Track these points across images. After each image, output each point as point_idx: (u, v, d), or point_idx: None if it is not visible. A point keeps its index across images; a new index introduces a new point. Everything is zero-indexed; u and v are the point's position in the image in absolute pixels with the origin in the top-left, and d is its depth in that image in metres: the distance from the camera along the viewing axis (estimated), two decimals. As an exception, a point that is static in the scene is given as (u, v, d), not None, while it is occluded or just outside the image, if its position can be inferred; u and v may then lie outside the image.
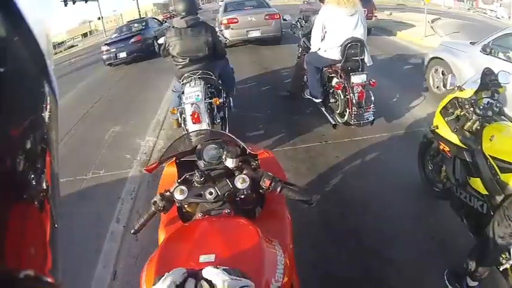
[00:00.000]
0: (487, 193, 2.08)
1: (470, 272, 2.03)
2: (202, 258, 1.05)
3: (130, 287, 2.55)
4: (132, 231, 1.48)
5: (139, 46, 11.51)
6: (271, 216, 1.48)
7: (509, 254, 1.92)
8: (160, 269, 1.07)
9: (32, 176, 0.34)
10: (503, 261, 1.96)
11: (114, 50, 11.47)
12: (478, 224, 2.16)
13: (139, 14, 35.53)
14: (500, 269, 1.99)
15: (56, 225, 0.39)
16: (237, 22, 9.27)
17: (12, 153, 0.31)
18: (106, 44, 11.88)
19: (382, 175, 3.32)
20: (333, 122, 4.14)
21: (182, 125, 3.65)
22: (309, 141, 3.98)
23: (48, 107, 0.37)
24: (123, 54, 11.36)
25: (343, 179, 3.35)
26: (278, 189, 1.33)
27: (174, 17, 18.72)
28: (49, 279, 0.35)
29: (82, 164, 4.36)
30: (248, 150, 1.56)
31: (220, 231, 1.23)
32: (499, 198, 1.99)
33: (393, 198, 3.01)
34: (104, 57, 11.65)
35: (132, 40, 11.57)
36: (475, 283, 2.06)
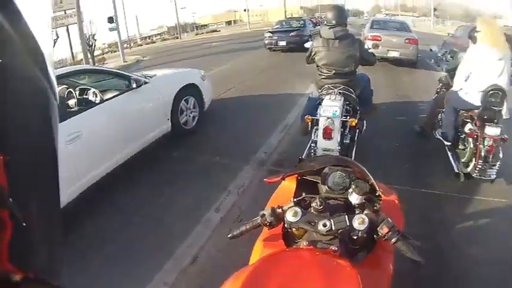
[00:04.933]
0: None
1: None
2: None
3: (204, 276, 2.58)
4: (229, 236, 1.41)
5: (297, 39, 13.39)
6: (375, 265, 1.32)
7: None
8: None
9: (36, 177, 0.35)
10: None
11: (276, 38, 14.35)
12: None
13: (285, 15, 37.11)
14: None
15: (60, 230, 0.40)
16: (380, 40, 9.81)
17: (12, 150, 0.31)
18: (270, 32, 14.97)
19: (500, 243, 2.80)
20: (456, 170, 3.80)
21: (311, 135, 3.62)
22: (428, 186, 3.67)
23: (48, 105, 0.37)
24: (282, 43, 14.08)
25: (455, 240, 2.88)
26: (393, 240, 1.20)
27: (318, 24, 19.22)
28: (51, 281, 0.36)
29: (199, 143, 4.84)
30: (378, 192, 1.41)
31: (319, 268, 1.14)
32: None
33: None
34: (266, 41, 14.77)
35: (292, 34, 14.17)
36: None
